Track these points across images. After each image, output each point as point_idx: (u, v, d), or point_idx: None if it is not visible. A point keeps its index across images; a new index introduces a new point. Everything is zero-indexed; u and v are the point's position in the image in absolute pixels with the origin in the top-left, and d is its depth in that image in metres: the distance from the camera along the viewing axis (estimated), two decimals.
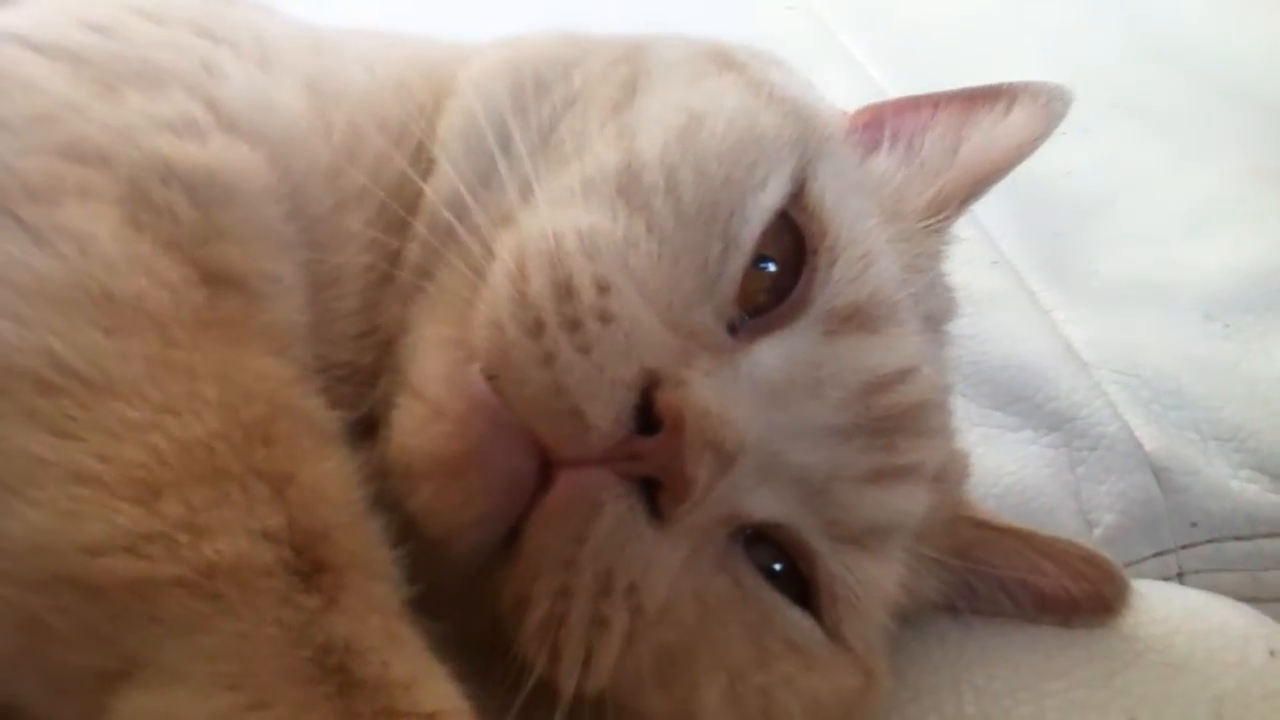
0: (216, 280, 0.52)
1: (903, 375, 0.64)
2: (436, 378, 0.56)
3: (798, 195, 0.64)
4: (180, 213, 0.53)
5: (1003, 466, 0.95)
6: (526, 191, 0.61)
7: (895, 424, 0.63)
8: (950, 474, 0.73)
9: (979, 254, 1.19)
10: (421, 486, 0.54)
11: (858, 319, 0.63)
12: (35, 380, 0.45)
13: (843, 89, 1.63)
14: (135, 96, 0.57)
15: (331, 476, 0.49)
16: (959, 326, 1.00)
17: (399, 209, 0.63)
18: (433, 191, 0.64)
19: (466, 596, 0.55)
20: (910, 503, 0.65)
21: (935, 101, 0.79)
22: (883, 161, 0.76)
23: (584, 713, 0.55)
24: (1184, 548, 0.94)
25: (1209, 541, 0.93)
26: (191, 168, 0.54)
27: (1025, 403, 1.00)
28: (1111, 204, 1.31)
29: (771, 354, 0.60)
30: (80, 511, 0.43)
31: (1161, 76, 1.58)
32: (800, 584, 0.63)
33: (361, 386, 0.60)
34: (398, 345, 0.61)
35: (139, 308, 0.48)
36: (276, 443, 0.48)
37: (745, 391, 0.57)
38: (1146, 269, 1.19)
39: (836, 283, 0.62)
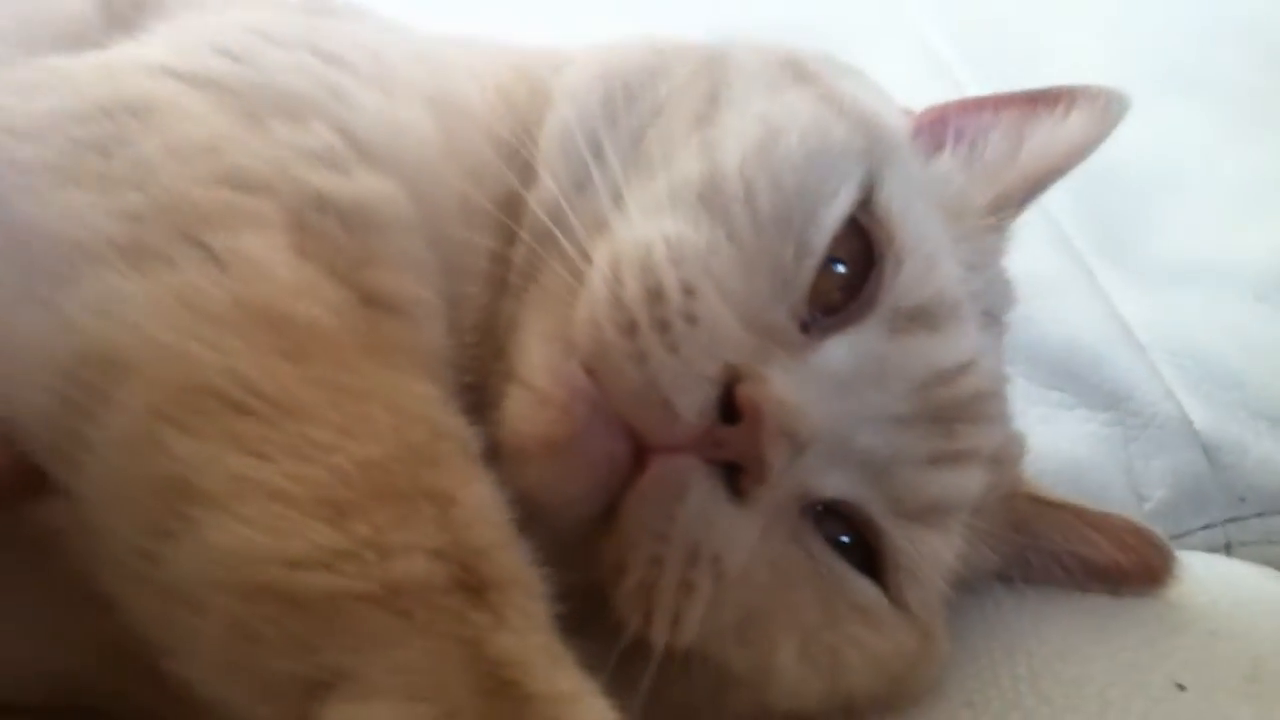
0: (375, 304, 0.56)
1: (961, 369, 0.69)
2: (542, 369, 0.62)
3: (866, 202, 0.68)
4: (338, 239, 0.57)
5: (1059, 443, 1.01)
6: (618, 199, 0.66)
7: (954, 413, 0.69)
8: (1007, 455, 0.78)
9: (1042, 236, 1.23)
10: (531, 466, 0.59)
11: (921, 318, 0.68)
12: (231, 402, 0.49)
13: (907, 64, 1.68)
14: (280, 127, 0.61)
15: (486, 497, 0.53)
16: (1022, 309, 1.06)
17: (508, 220, 0.68)
18: (535, 201, 0.69)
19: (569, 562, 0.58)
20: (967, 483, 0.71)
21: (997, 103, 0.84)
22: (946, 161, 0.80)
23: (674, 665, 0.61)
24: (1231, 521, 0.98)
25: (1256, 515, 0.98)
26: (341, 198, 0.59)
27: (1082, 383, 1.05)
28: (1170, 182, 1.34)
29: (841, 350, 0.65)
30: (281, 528, 0.47)
31: (1225, 52, 1.58)
32: (867, 554, 0.68)
33: (476, 376, 0.65)
34: (507, 340, 0.66)
35: (313, 333, 0.52)
36: (439, 464, 0.52)
37: (817, 384, 0.62)
38: (1201, 249, 1.22)
39: (902, 284, 0.67)
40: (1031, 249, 1.16)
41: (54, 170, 0.57)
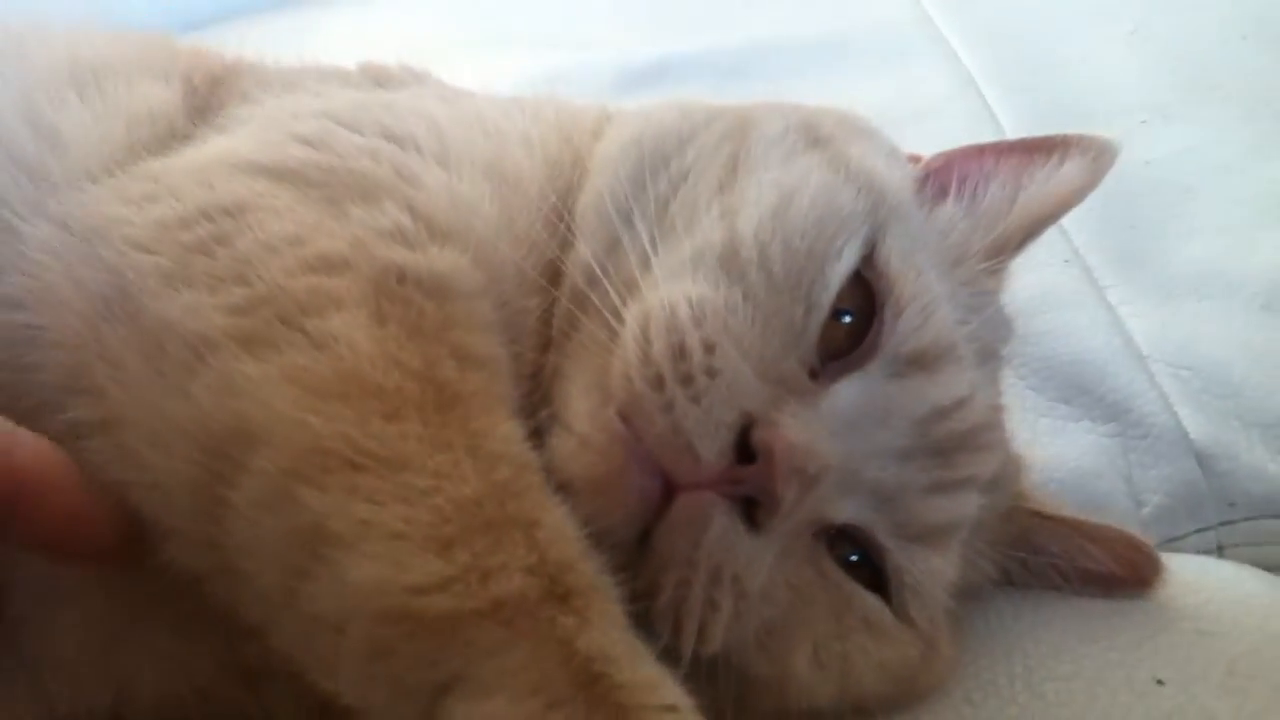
0: (463, 359, 0.65)
1: (958, 404, 0.77)
2: (585, 417, 0.71)
3: (869, 257, 0.76)
4: (422, 306, 0.66)
5: (1065, 454, 1.08)
6: (645, 263, 0.75)
7: (953, 444, 0.76)
8: (1005, 477, 0.86)
9: (1054, 253, 1.30)
10: (577, 500, 0.67)
11: (919, 362, 0.75)
12: (346, 460, 0.58)
13: (929, 71, 1.73)
14: (356, 210, 0.70)
15: (562, 519, 0.62)
16: (1035, 325, 1.14)
17: (550, 285, 0.78)
18: (572, 266, 0.78)
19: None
20: (965, 507, 0.79)
21: (998, 151, 0.91)
22: (949, 209, 0.87)
23: (702, 671, 0.68)
24: (1223, 524, 1.05)
25: (1245, 519, 1.05)
26: (419, 271, 0.67)
27: (1087, 396, 1.12)
28: (1187, 195, 1.39)
29: (847, 393, 0.73)
30: (401, 562, 0.56)
31: (1246, 62, 1.62)
32: (873, 573, 0.77)
33: (528, 419, 0.73)
34: (552, 388, 0.75)
35: (402, 396, 0.61)
36: (521, 496, 0.61)
37: (826, 425, 0.71)
38: (1214, 260, 1.27)
39: (901, 333, 0.75)
40: (1043, 266, 1.24)
41: (170, 274, 0.66)
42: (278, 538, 0.59)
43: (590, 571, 0.61)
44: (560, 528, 0.62)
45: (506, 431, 0.65)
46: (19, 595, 0.73)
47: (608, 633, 0.59)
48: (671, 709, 0.57)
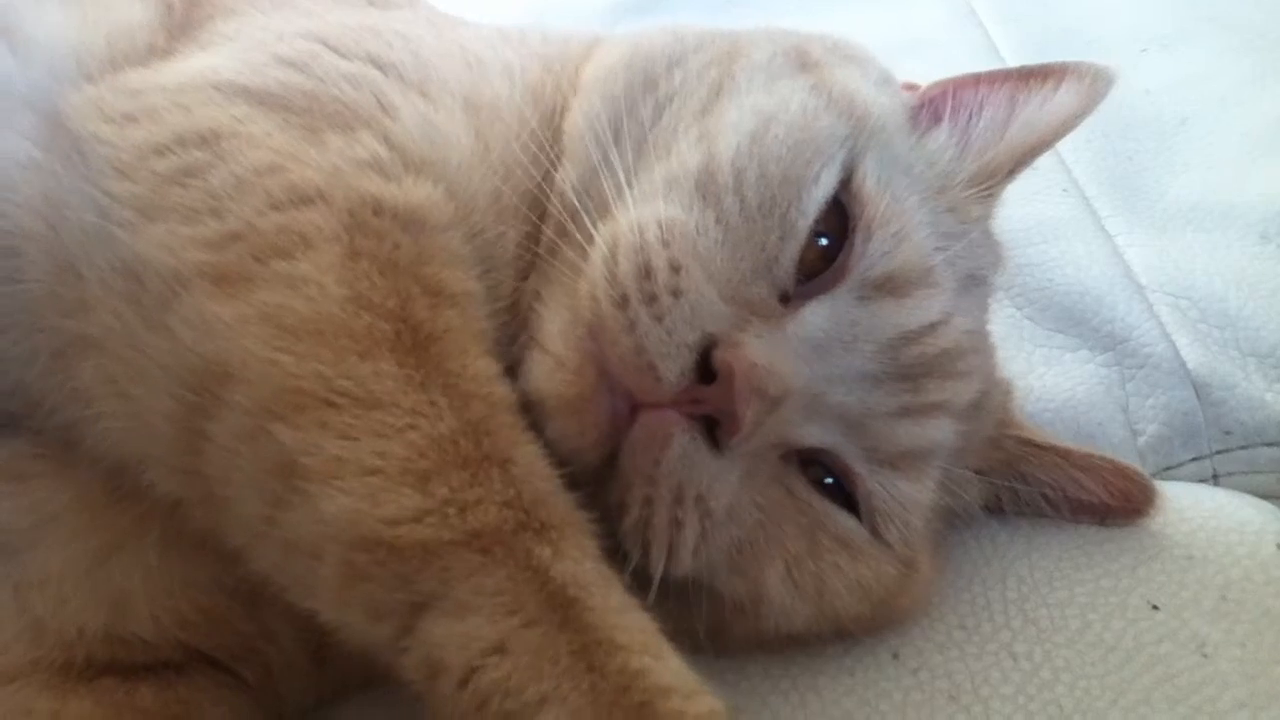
0: (436, 294, 0.66)
1: (929, 329, 0.76)
2: (555, 336, 0.72)
3: (847, 181, 0.76)
4: (397, 239, 0.66)
5: (1061, 384, 1.08)
6: (620, 187, 0.74)
7: (923, 369, 0.76)
8: (989, 403, 0.86)
9: (1052, 183, 1.30)
10: (551, 421, 0.69)
11: (888, 286, 0.75)
12: (320, 399, 0.60)
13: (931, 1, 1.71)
14: (334, 139, 0.70)
15: (536, 455, 0.64)
16: (1032, 254, 1.13)
17: (532, 213, 0.77)
18: (558, 188, 0.78)
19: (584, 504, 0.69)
20: (938, 432, 0.78)
21: (993, 79, 0.90)
22: (942, 135, 0.87)
23: (674, 596, 0.70)
24: (1219, 453, 1.06)
25: (1241, 448, 1.05)
26: (394, 204, 0.68)
27: (1084, 325, 1.11)
28: (1185, 125, 1.38)
29: (814, 317, 0.73)
30: (375, 496, 0.58)
31: None
32: (847, 498, 0.77)
33: (507, 348, 0.74)
34: (530, 313, 0.76)
35: (374, 335, 0.62)
36: (496, 433, 0.63)
37: (791, 347, 0.71)
38: (1212, 191, 1.26)
39: (871, 256, 0.75)
40: (1041, 196, 1.24)
41: (146, 205, 0.66)
42: (255, 469, 0.61)
43: (564, 505, 0.63)
44: (535, 463, 0.64)
45: (481, 369, 0.66)
46: (5, 515, 0.74)
47: (581, 563, 0.61)
48: (640, 631, 0.60)
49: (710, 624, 0.74)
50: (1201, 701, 0.78)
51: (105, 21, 0.81)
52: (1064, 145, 1.32)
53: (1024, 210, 1.22)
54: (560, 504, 0.63)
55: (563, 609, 0.58)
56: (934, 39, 1.65)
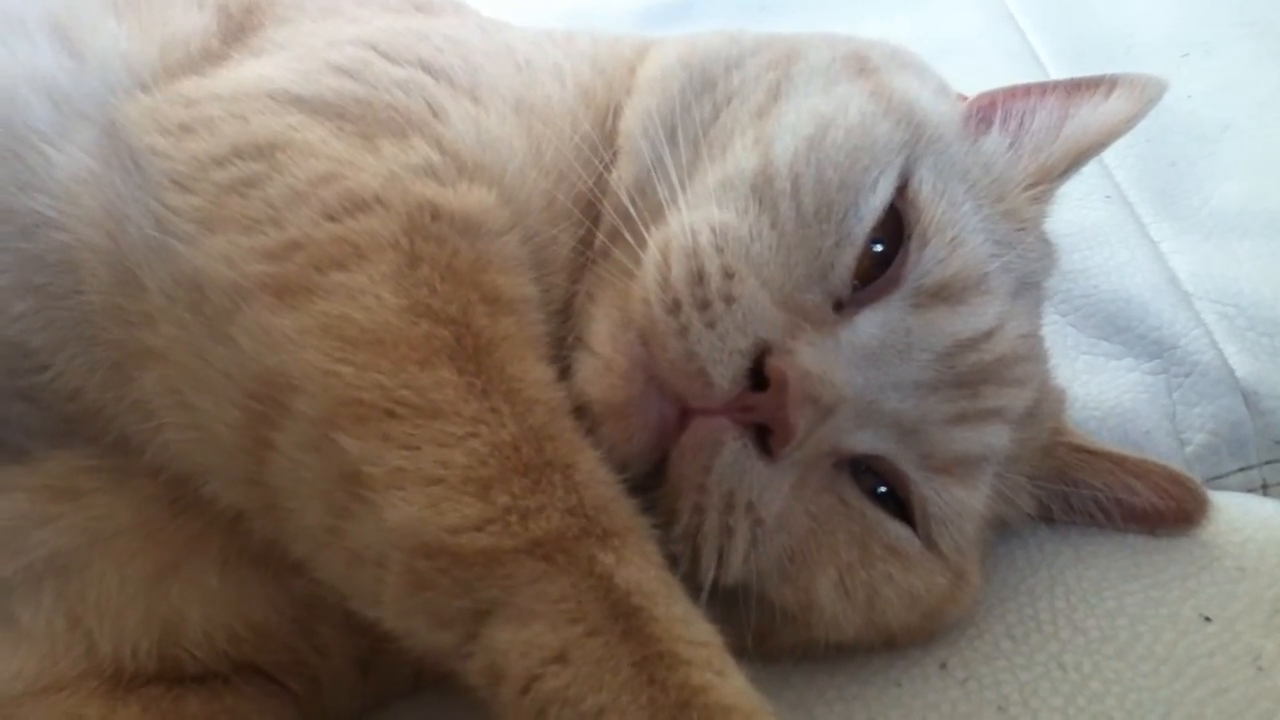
0: (494, 302, 0.66)
1: (985, 336, 0.76)
2: (604, 339, 0.71)
3: (903, 188, 0.76)
4: (456, 245, 0.66)
5: (1107, 391, 1.07)
6: (674, 189, 0.74)
7: (978, 376, 0.76)
8: (1043, 410, 0.85)
9: (1096, 189, 1.29)
10: (600, 425, 0.68)
11: (942, 294, 0.75)
12: (381, 409, 0.60)
13: (966, 5, 1.70)
14: (388, 146, 0.70)
15: (597, 462, 0.64)
16: (1076, 261, 1.12)
17: (584, 215, 0.77)
18: (612, 189, 0.78)
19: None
20: (992, 439, 0.78)
21: (1044, 89, 0.90)
22: (994, 141, 0.86)
23: (723, 604, 0.68)
24: (1268, 463, 1.05)
25: None
26: (450, 209, 0.68)
27: (1129, 333, 1.11)
28: (1228, 130, 1.37)
29: (868, 325, 0.72)
30: (438, 504, 0.58)
31: None
32: (900, 505, 0.77)
33: (560, 350, 0.74)
34: (582, 313, 0.75)
35: (433, 344, 0.62)
36: (557, 438, 0.63)
37: (844, 356, 0.71)
38: (1255, 197, 1.25)
39: (926, 263, 0.75)
40: (1085, 203, 1.23)
41: (206, 217, 0.66)
42: (319, 478, 0.61)
43: (627, 512, 0.63)
44: (596, 470, 0.63)
45: (540, 375, 0.66)
46: (61, 535, 0.74)
47: (645, 570, 0.61)
48: (704, 645, 0.59)
49: (757, 631, 0.73)
50: (1257, 716, 0.77)
51: (160, 30, 0.81)
52: (1106, 152, 1.31)
53: (1067, 217, 1.20)
54: (623, 510, 0.63)
55: (625, 618, 0.58)
56: (971, 44, 1.64)
